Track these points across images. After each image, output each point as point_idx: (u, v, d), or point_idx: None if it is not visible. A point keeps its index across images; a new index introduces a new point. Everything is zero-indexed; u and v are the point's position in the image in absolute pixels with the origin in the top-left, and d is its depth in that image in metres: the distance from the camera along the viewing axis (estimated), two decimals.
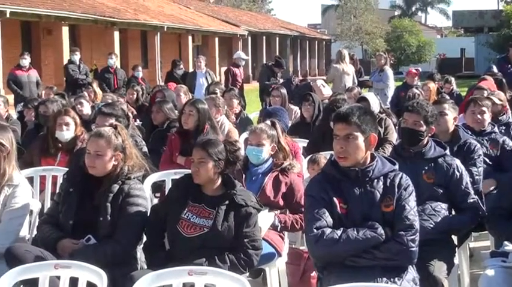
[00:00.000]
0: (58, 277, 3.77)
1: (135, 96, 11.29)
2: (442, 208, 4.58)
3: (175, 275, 3.60)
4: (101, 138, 4.53)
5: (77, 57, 15.50)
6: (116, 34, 26.24)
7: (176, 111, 8.15)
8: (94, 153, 4.50)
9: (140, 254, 4.63)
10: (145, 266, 4.49)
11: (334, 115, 4.01)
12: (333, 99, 8.16)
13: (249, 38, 40.69)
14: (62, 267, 3.74)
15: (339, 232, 3.80)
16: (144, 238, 4.58)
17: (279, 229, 5.06)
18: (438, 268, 4.25)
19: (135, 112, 10.27)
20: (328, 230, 3.82)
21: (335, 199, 3.90)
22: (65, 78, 15.77)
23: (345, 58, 13.37)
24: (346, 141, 3.86)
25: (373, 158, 3.97)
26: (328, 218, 3.86)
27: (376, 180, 3.92)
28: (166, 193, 5.66)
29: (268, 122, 5.72)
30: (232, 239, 4.32)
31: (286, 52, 45.54)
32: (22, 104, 11.24)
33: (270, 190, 5.18)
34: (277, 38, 46.06)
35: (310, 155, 6.38)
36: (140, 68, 15.73)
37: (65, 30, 23.53)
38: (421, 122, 4.76)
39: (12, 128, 5.74)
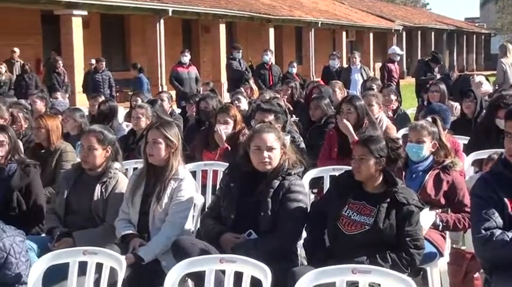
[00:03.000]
0: (222, 271, 3.83)
1: (289, 91, 11.36)
2: None
3: (339, 273, 3.54)
4: (270, 132, 4.55)
5: (239, 54, 15.83)
6: (271, 31, 26.60)
7: (333, 107, 8.13)
8: (268, 147, 4.48)
9: (300, 250, 4.63)
10: (305, 263, 4.47)
11: (506, 112, 3.81)
12: (499, 95, 7.79)
13: (404, 33, 40.08)
14: (227, 261, 3.77)
15: (510, 234, 3.61)
16: (304, 234, 4.57)
17: (440, 228, 4.90)
18: None
19: (291, 108, 10.33)
20: (497, 232, 3.64)
21: (506, 199, 3.70)
22: (226, 76, 16.11)
23: (511, 51, 12.78)
24: None
25: None
26: (497, 219, 3.67)
27: None
28: (324, 189, 5.66)
29: (429, 118, 5.56)
30: (393, 237, 4.22)
31: (442, 47, 44.41)
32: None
33: (431, 187, 5.03)
34: (433, 33, 45.06)
35: (490, 154, 6.09)
36: (295, 64, 15.84)
37: (222, 28, 24.17)
38: None
39: (176, 123, 5.93)
